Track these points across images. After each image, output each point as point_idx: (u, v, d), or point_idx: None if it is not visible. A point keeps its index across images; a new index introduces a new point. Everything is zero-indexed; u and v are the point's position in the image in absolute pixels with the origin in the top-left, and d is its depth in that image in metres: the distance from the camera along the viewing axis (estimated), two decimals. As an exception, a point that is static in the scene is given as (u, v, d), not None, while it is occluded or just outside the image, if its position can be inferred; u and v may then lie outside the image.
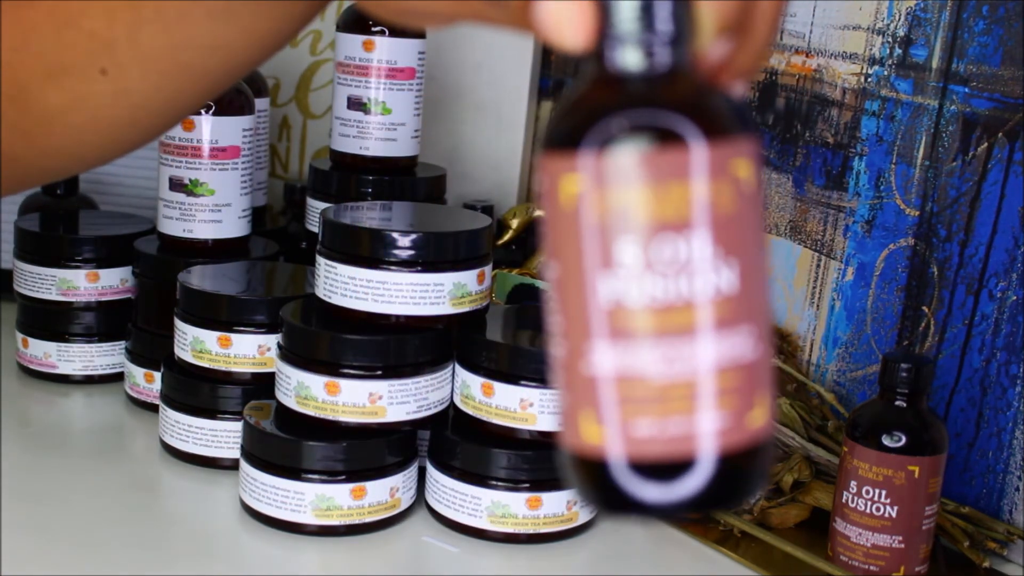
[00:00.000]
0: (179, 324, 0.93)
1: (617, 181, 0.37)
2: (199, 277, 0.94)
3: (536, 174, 0.38)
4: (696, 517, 0.35)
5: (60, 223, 1.12)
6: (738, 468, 0.38)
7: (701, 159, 0.37)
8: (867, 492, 0.79)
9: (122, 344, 1.06)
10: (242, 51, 0.49)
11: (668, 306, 0.37)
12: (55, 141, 0.51)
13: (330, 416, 0.83)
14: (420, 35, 1.07)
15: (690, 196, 0.37)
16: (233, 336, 0.91)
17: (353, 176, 1.07)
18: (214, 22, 0.47)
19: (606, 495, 0.39)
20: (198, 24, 0.47)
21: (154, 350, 0.99)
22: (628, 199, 0.37)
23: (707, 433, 0.37)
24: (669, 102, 0.37)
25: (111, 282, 1.06)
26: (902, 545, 0.79)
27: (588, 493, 0.39)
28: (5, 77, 0.49)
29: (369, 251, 0.84)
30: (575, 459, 0.39)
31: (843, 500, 0.80)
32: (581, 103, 0.39)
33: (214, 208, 1.01)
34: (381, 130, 1.07)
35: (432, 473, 0.85)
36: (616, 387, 0.38)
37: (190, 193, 1.01)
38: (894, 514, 0.78)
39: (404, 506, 0.85)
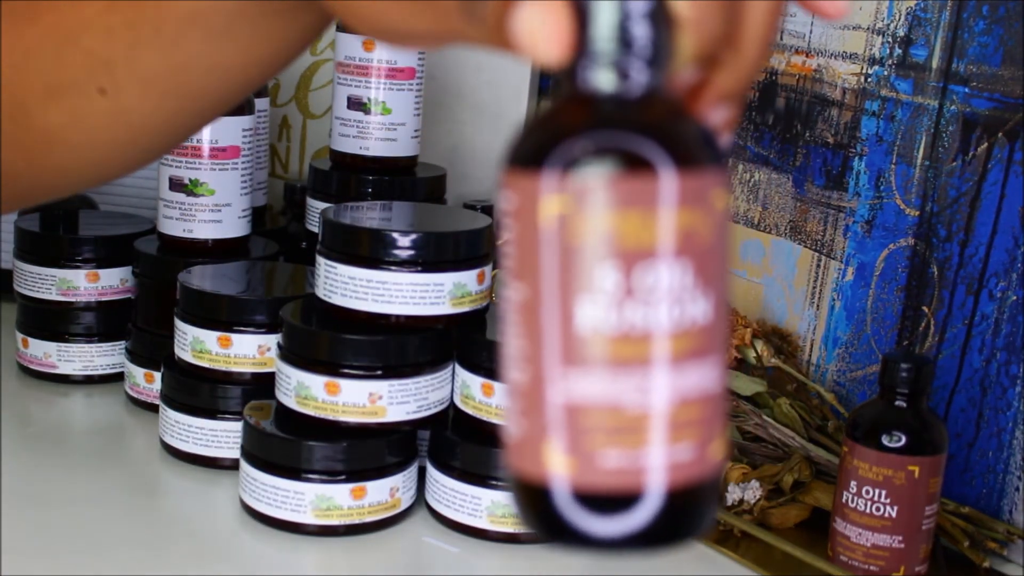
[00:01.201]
0: (179, 324, 0.93)
1: (603, 205, 0.36)
2: (199, 277, 0.94)
3: (503, 191, 0.37)
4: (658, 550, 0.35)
5: (60, 223, 1.12)
6: (700, 499, 0.37)
7: (690, 186, 0.36)
8: (867, 492, 0.79)
9: (122, 344, 1.06)
10: (240, 73, 0.48)
11: (647, 335, 0.36)
12: (55, 159, 0.51)
13: (330, 416, 0.83)
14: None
15: (675, 224, 0.36)
16: (233, 336, 0.91)
17: (353, 176, 1.07)
18: (212, 44, 0.47)
19: (564, 526, 0.37)
20: (196, 45, 0.47)
21: (154, 350, 0.99)
22: (612, 224, 0.36)
23: (678, 464, 0.37)
24: (659, 128, 0.37)
25: (111, 282, 1.06)
26: (902, 545, 0.79)
27: (549, 525, 0.37)
28: (5, 95, 0.49)
29: (369, 251, 0.84)
30: (535, 488, 0.37)
31: (843, 500, 0.80)
32: (560, 122, 0.37)
33: (214, 208, 1.01)
34: (381, 130, 1.07)
35: (432, 473, 0.85)
36: (588, 416, 0.36)
37: (190, 193, 1.01)
38: (894, 514, 0.78)
39: (404, 506, 0.85)
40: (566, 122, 0.37)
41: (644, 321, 0.36)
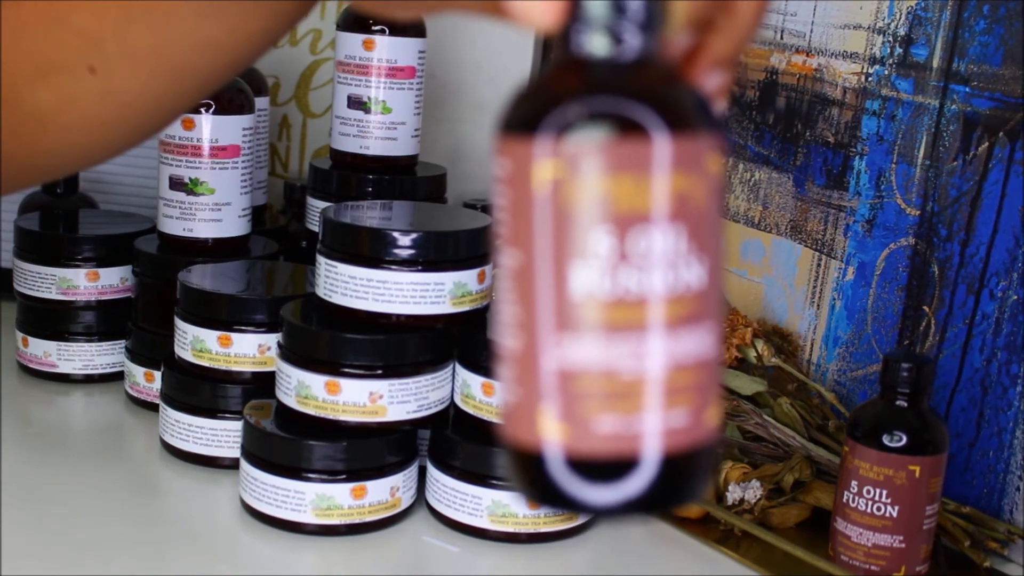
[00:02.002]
0: (179, 323, 0.93)
1: (597, 170, 0.36)
2: (199, 276, 0.94)
3: (496, 156, 0.38)
4: (654, 514, 0.35)
5: (60, 222, 1.12)
6: (696, 464, 0.37)
7: (684, 151, 0.36)
8: (868, 492, 0.79)
9: (122, 343, 1.06)
10: (231, 50, 0.48)
11: (641, 300, 0.36)
12: (47, 141, 0.51)
13: (330, 415, 0.83)
14: (420, 34, 1.07)
15: (669, 188, 0.36)
16: (233, 335, 0.91)
17: (353, 175, 1.07)
18: (202, 20, 0.47)
19: (561, 493, 0.37)
20: (186, 22, 0.47)
21: (154, 349, 0.99)
22: (606, 189, 0.36)
23: (674, 430, 0.37)
24: (652, 93, 0.36)
25: (111, 281, 1.06)
26: (903, 545, 0.79)
27: (543, 492, 0.38)
28: None
29: (369, 250, 0.84)
30: (530, 455, 0.38)
31: (844, 500, 0.80)
32: (554, 87, 0.37)
33: (214, 207, 1.01)
34: (381, 129, 1.07)
35: (432, 473, 0.85)
36: (583, 382, 0.36)
37: (190, 192, 1.01)
38: (895, 514, 0.78)
39: (404, 506, 0.85)
40: (560, 87, 0.37)
41: (638, 286, 0.36)
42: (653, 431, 0.36)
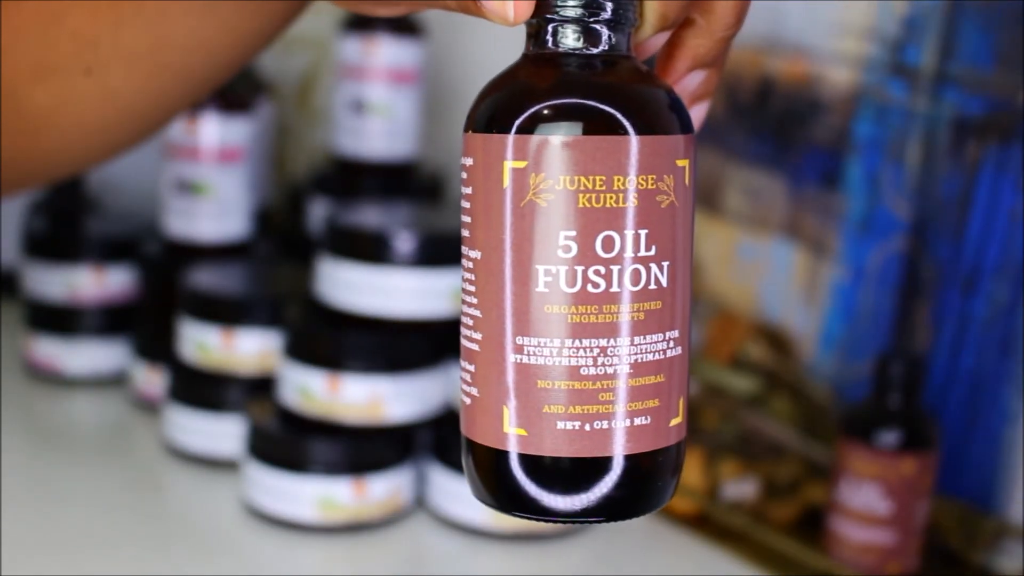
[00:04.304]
0: (182, 323, 0.94)
1: (560, 169, 0.35)
2: (202, 276, 0.95)
3: (464, 154, 0.38)
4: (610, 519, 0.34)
5: (65, 222, 1.13)
6: (659, 470, 0.37)
7: (649, 152, 0.35)
8: (862, 490, 0.80)
9: (126, 343, 1.07)
10: (225, 50, 0.49)
11: (603, 301, 0.35)
12: (46, 143, 0.51)
13: (332, 414, 0.84)
14: (421, 35, 1.08)
15: (633, 189, 0.35)
16: (236, 335, 0.92)
17: (354, 176, 1.08)
18: (195, 20, 0.47)
19: (521, 497, 0.36)
20: (179, 22, 0.47)
21: (158, 349, 1.00)
22: (568, 188, 0.35)
23: (636, 434, 0.36)
24: (620, 93, 0.36)
25: (116, 281, 1.07)
26: (896, 542, 0.80)
27: (505, 494, 0.37)
28: None
29: (370, 251, 0.85)
30: (491, 456, 0.37)
31: (838, 498, 0.81)
32: (521, 84, 0.37)
33: (217, 208, 1.02)
34: (382, 130, 1.08)
35: (433, 471, 0.86)
36: (543, 382, 0.35)
37: (193, 193, 1.02)
38: (888, 511, 0.79)
39: (406, 504, 0.86)
40: (527, 85, 0.37)
41: (600, 287, 0.35)
42: (613, 434, 0.36)
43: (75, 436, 1.00)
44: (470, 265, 0.37)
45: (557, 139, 0.35)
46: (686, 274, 0.37)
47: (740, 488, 0.88)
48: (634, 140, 0.35)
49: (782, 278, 1.04)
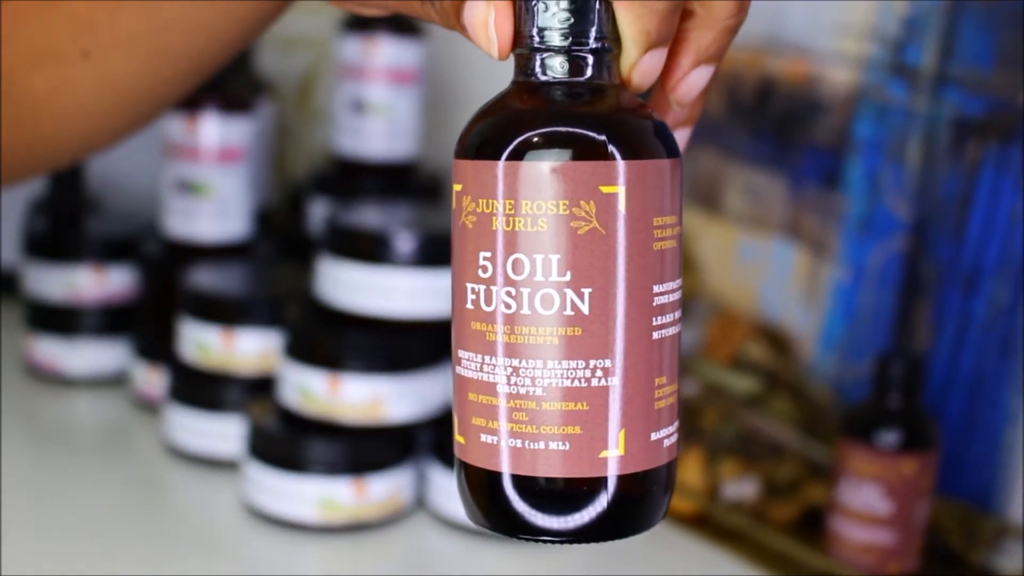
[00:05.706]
0: (183, 323, 0.94)
1: (491, 192, 0.36)
2: (202, 276, 0.95)
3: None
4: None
5: (66, 222, 1.13)
6: (580, 497, 0.37)
7: (577, 178, 0.35)
8: (862, 489, 0.80)
9: (127, 343, 1.07)
10: (223, 32, 0.48)
11: (513, 322, 0.36)
12: (45, 129, 0.51)
13: (332, 414, 0.84)
14: (422, 36, 1.08)
15: (538, 214, 0.35)
16: (236, 335, 0.92)
17: (354, 176, 1.08)
18: (192, 2, 0.47)
19: (462, 496, 0.40)
20: (176, 4, 0.47)
21: (158, 349, 1.00)
22: (497, 211, 0.36)
23: (547, 458, 0.36)
24: (557, 118, 0.36)
25: (116, 281, 1.07)
26: (897, 542, 0.80)
27: (457, 491, 0.40)
28: None
29: (370, 251, 0.85)
30: (457, 463, 0.40)
31: (838, 498, 0.81)
32: (485, 109, 0.38)
33: (217, 208, 1.02)
34: (382, 130, 1.08)
35: (434, 471, 0.86)
36: (469, 396, 0.37)
37: (193, 193, 1.02)
38: (889, 511, 0.79)
39: (406, 504, 0.86)
40: (487, 109, 0.38)
41: (512, 308, 0.36)
42: (528, 455, 0.36)
43: (75, 436, 1.00)
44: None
45: (470, 164, 0.37)
46: (629, 304, 0.36)
47: (740, 488, 0.88)
48: (542, 166, 0.36)
49: (782, 278, 1.04)
